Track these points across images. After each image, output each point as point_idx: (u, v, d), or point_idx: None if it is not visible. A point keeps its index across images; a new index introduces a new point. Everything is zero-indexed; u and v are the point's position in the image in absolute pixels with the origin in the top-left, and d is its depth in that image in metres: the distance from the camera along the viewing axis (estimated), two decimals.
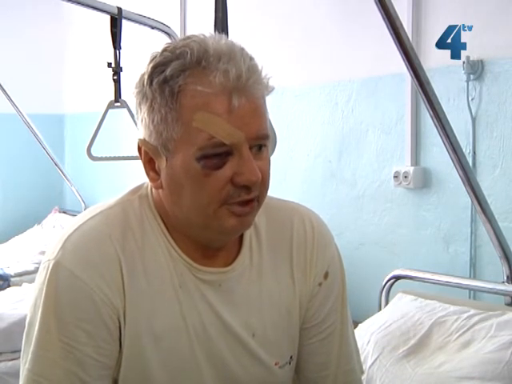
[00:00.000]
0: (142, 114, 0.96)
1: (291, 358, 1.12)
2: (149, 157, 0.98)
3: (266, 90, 0.96)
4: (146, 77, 0.94)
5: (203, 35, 0.96)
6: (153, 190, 1.03)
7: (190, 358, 1.01)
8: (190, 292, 1.01)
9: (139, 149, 0.99)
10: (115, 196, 1.06)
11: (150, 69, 0.94)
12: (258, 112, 0.94)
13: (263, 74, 0.95)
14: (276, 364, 1.08)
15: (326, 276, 1.12)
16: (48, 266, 0.97)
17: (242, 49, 0.95)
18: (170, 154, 0.94)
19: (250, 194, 0.95)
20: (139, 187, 1.07)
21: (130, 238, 0.99)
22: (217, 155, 0.92)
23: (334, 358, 1.14)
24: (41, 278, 0.98)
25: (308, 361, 1.14)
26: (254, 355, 1.06)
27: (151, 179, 1.00)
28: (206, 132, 0.91)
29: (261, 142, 0.96)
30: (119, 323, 0.97)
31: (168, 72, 0.92)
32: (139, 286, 0.98)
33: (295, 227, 1.11)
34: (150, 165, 0.99)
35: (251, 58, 0.95)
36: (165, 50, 0.95)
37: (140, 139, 0.98)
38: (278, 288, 1.08)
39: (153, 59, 0.95)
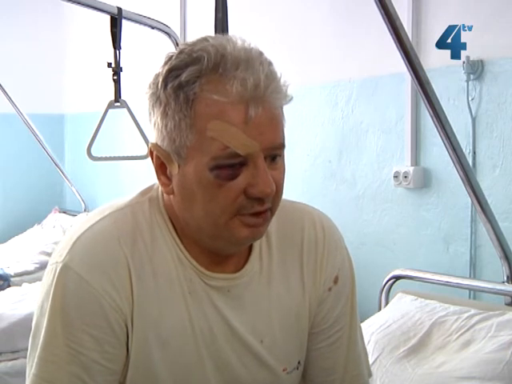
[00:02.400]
0: (155, 118, 0.93)
1: (299, 363, 1.10)
2: (160, 161, 0.95)
3: (285, 99, 0.92)
4: (160, 79, 0.91)
5: (221, 36, 0.92)
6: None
7: (197, 362, 1.00)
8: (199, 297, 0.99)
9: (151, 153, 0.96)
10: (123, 197, 1.03)
11: (165, 71, 0.91)
12: (275, 121, 0.92)
13: (282, 81, 0.92)
14: (284, 370, 1.07)
15: (336, 280, 1.09)
16: (56, 269, 0.95)
17: (261, 53, 0.92)
18: (183, 161, 0.92)
19: (263, 205, 0.93)
20: (149, 189, 1.04)
21: (140, 241, 0.97)
22: (230, 166, 0.90)
23: (341, 363, 1.12)
24: (48, 280, 0.96)
25: (315, 365, 1.12)
26: (262, 361, 1.04)
27: (162, 184, 0.97)
28: (221, 142, 0.88)
29: (276, 152, 0.94)
30: (126, 328, 0.96)
31: (183, 77, 0.89)
32: (147, 290, 0.96)
33: (306, 230, 1.09)
34: (161, 169, 0.96)
35: (270, 63, 0.92)
36: (181, 51, 0.91)
37: (152, 143, 0.96)
38: (288, 293, 1.06)
39: (168, 61, 0.92)
